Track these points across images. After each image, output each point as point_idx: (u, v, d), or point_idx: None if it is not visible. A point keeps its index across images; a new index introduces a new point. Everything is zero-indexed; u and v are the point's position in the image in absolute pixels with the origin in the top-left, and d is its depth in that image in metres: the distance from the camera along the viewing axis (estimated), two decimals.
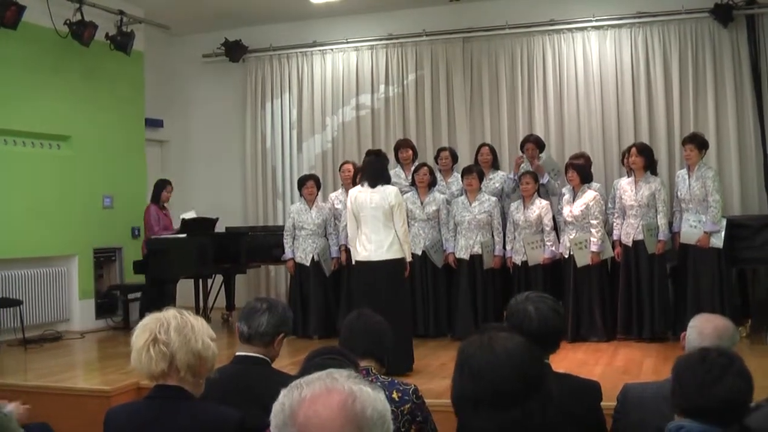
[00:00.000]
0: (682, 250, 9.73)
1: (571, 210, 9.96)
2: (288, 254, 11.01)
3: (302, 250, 10.91)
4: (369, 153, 9.25)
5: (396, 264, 8.27)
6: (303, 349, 8.18)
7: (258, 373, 4.19)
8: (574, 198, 10.03)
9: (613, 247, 9.95)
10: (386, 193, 8.25)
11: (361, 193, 8.34)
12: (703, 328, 3.95)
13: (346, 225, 10.59)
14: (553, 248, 10.05)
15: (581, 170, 10.12)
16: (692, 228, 9.56)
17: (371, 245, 8.23)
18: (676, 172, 11.10)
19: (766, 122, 11.57)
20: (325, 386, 1.95)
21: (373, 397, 1.95)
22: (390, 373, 7.32)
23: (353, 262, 8.82)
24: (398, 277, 8.32)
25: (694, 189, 9.57)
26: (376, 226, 8.21)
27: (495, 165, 11.11)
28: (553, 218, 10.29)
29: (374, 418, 1.92)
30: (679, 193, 9.83)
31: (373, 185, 8.28)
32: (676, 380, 3.22)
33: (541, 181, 10.52)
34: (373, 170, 8.43)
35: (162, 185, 12.10)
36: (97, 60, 11.94)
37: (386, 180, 8.47)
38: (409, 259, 8.55)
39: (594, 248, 9.80)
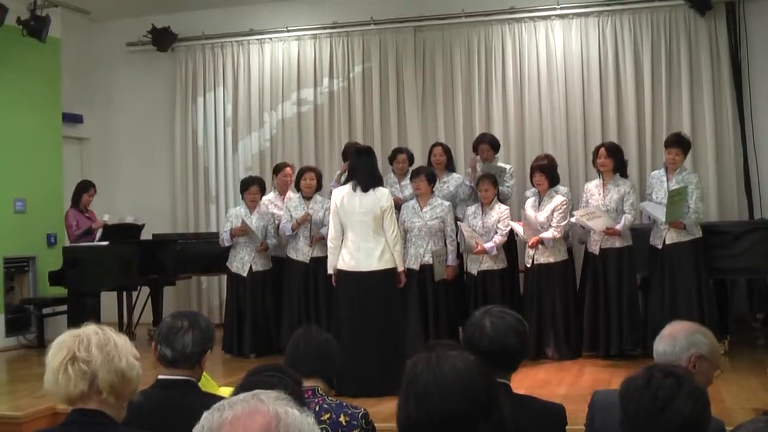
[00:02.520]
0: (654, 259, 9.73)
1: (536, 216, 9.97)
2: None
3: (239, 259, 10.81)
4: (359, 151, 8.94)
5: (388, 275, 8.30)
6: (239, 369, 8.14)
7: (185, 397, 4.08)
8: (539, 202, 10.06)
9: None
10: (377, 196, 8.24)
11: (348, 195, 8.29)
12: (663, 332, 3.97)
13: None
14: (491, 245, 10.04)
15: (549, 172, 10.14)
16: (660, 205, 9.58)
17: (360, 254, 8.22)
18: (645, 175, 11.21)
19: (746, 120, 11.71)
20: (249, 408, 1.98)
21: (300, 421, 1.98)
22: (383, 394, 7.43)
23: (331, 271, 8.59)
24: (391, 290, 8.36)
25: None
26: (365, 232, 8.21)
27: (450, 166, 11.06)
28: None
29: None
30: (654, 196, 9.75)
31: (366, 189, 8.25)
32: (622, 409, 3.17)
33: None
34: (367, 172, 8.38)
35: (83, 188, 12.00)
36: (7, 47, 11.77)
37: (379, 181, 8.47)
38: (401, 268, 8.59)
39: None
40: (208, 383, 4.40)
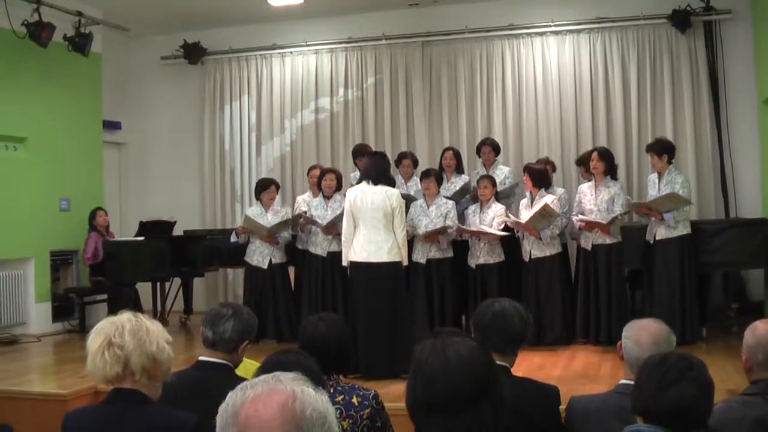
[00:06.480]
0: (647, 253, 9.71)
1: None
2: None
3: (260, 253, 10.79)
4: (374, 153, 9.22)
5: (396, 267, 8.32)
6: (260, 354, 8.16)
7: (220, 380, 4.06)
8: (531, 202, 10.02)
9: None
10: (388, 194, 8.27)
11: (361, 193, 8.33)
12: (639, 338, 3.88)
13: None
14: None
15: (534, 174, 10.05)
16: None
17: (371, 246, 8.23)
18: (633, 177, 11.42)
19: (722, 128, 11.76)
20: (268, 387, 2.00)
21: (314, 399, 2.00)
22: (387, 377, 7.49)
23: (345, 263, 8.59)
24: (399, 280, 8.39)
25: (663, 194, 9.51)
26: (376, 227, 8.22)
27: (459, 169, 11.06)
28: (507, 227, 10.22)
29: (314, 418, 1.96)
30: (649, 198, 9.71)
31: (375, 183, 8.29)
32: (637, 381, 3.23)
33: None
34: (377, 169, 8.43)
35: (93, 213, 12.02)
36: (54, 61, 11.82)
37: (389, 181, 8.49)
38: (405, 263, 8.60)
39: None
40: (252, 366, 4.42)
